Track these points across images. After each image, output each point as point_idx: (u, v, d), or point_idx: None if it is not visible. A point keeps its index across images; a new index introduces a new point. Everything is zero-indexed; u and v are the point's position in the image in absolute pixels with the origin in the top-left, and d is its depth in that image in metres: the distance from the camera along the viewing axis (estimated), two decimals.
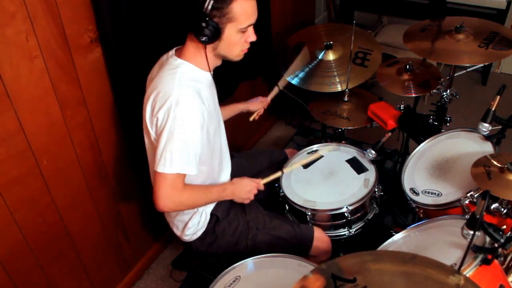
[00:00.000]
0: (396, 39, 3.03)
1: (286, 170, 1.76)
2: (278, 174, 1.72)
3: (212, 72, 1.50)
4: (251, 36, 1.42)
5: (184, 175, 1.39)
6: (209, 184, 1.60)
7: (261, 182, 1.63)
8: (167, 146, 1.34)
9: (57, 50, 1.44)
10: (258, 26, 1.43)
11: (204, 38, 1.33)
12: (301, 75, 2.20)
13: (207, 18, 1.30)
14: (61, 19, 1.41)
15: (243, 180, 1.60)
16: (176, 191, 1.39)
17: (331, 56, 2.21)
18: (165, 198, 1.37)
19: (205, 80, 1.47)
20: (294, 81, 2.19)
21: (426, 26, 2.00)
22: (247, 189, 1.59)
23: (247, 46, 1.45)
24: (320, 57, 2.22)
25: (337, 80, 2.14)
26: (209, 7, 1.28)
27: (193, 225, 1.60)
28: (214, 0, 1.28)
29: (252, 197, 1.61)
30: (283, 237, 1.66)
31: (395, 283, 0.92)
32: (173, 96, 1.34)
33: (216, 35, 1.34)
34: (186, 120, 1.34)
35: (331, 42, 2.20)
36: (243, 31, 1.38)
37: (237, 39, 1.39)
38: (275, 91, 2.00)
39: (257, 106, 1.94)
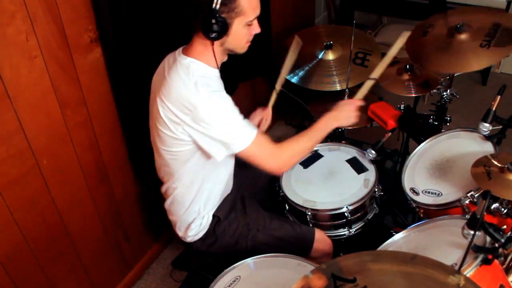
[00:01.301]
0: (396, 39, 3.02)
1: (373, 75, 1.79)
2: (370, 82, 1.77)
3: (219, 69, 1.50)
4: (256, 29, 1.43)
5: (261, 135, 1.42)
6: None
7: (356, 98, 1.69)
8: (227, 129, 1.37)
9: (57, 50, 1.44)
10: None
11: (213, 35, 1.33)
12: (300, 73, 2.20)
13: (217, 15, 1.30)
14: (61, 19, 1.41)
15: (341, 105, 1.63)
16: (273, 147, 1.43)
17: (331, 56, 2.21)
18: (274, 160, 1.42)
19: (215, 78, 1.47)
20: (294, 80, 2.19)
21: (428, 27, 1.99)
22: (348, 107, 1.63)
23: (251, 37, 1.47)
24: (320, 57, 2.22)
25: (337, 79, 2.14)
26: (218, 3, 1.29)
27: (195, 226, 1.60)
28: None
29: (357, 112, 1.64)
30: (284, 238, 1.66)
31: (395, 283, 0.92)
32: (199, 94, 1.34)
33: (224, 30, 1.34)
34: (222, 104, 1.38)
35: (331, 42, 2.20)
36: (249, 24, 1.39)
37: (244, 33, 1.40)
38: (273, 96, 1.90)
39: (257, 119, 1.87)
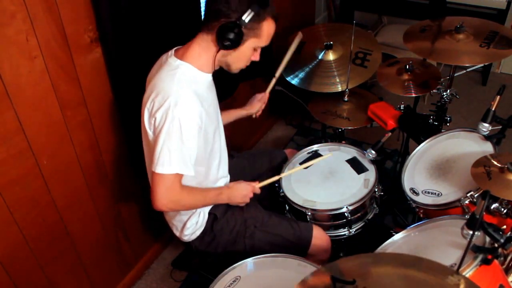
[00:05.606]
0: (396, 39, 3.03)
1: (283, 174, 1.78)
2: (276, 178, 1.73)
3: (211, 74, 1.50)
4: (257, 56, 1.48)
5: (181, 176, 1.40)
6: (206, 187, 1.61)
7: (257, 186, 1.64)
8: (165, 147, 1.34)
9: (57, 50, 1.44)
10: None
11: (227, 43, 1.36)
12: (301, 75, 2.20)
13: (241, 27, 1.34)
14: (61, 19, 1.41)
15: (239, 184, 1.61)
16: (173, 191, 1.39)
17: (331, 56, 2.21)
18: (162, 198, 1.38)
19: (204, 82, 1.47)
20: (294, 81, 2.19)
21: (426, 27, 2.00)
22: (243, 193, 1.61)
23: (249, 63, 1.50)
24: (320, 57, 2.22)
25: (337, 80, 2.14)
26: (248, 18, 1.33)
27: (191, 225, 1.61)
28: (254, 13, 1.33)
29: (247, 201, 1.63)
30: (282, 235, 1.66)
31: (395, 285, 0.92)
32: (172, 97, 1.34)
33: (237, 44, 1.37)
34: (184, 122, 1.35)
35: (331, 42, 2.20)
36: (256, 49, 1.45)
37: (248, 55, 1.45)
38: (272, 82, 1.96)
39: (257, 106, 1.93)
